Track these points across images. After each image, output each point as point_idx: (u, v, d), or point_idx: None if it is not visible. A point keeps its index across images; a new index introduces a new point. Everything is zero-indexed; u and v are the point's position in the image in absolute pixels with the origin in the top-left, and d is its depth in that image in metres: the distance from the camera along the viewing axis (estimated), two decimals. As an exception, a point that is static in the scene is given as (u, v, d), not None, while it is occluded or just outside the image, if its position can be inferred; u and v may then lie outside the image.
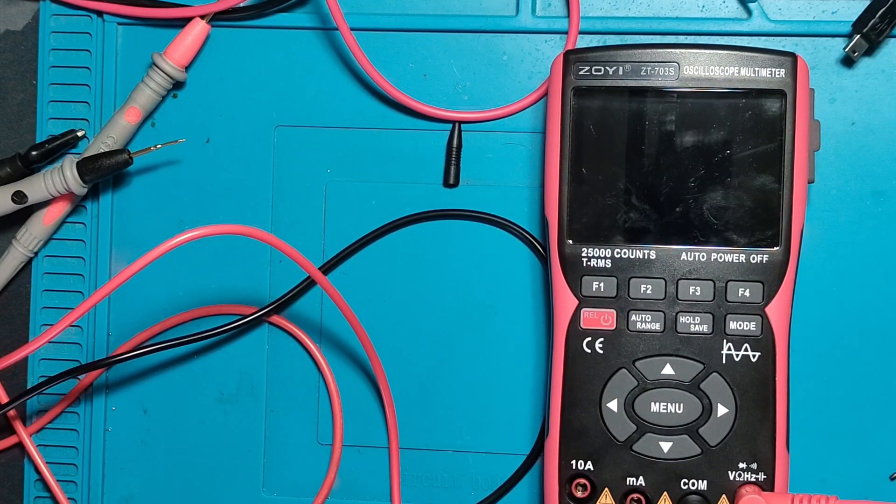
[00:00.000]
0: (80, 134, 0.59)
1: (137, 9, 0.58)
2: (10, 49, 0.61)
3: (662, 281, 0.51)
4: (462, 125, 0.58)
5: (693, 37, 0.56)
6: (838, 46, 0.56)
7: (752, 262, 0.51)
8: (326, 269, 0.58)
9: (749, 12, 0.56)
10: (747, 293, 0.51)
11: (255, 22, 0.59)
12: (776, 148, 0.51)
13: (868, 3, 0.55)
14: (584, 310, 0.52)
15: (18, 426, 0.60)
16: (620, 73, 0.51)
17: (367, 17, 0.58)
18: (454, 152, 0.58)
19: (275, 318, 0.59)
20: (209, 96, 0.59)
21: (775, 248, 0.51)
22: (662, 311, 0.51)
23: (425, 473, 0.59)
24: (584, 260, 0.52)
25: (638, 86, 0.51)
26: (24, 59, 0.61)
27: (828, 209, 0.56)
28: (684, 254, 0.51)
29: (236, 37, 0.59)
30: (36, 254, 0.60)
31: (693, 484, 0.51)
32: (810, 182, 0.51)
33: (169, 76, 0.58)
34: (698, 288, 0.51)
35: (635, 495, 0.52)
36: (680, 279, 0.51)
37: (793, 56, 0.51)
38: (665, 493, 0.51)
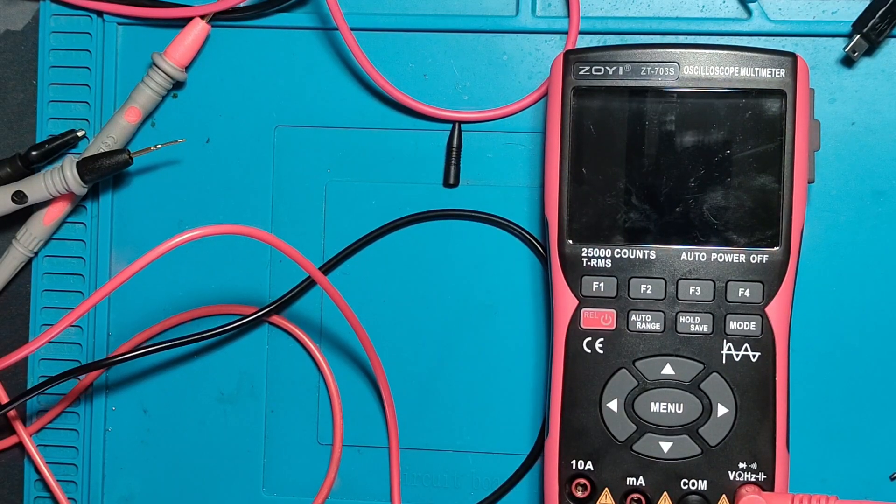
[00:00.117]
0: (80, 134, 0.59)
1: (137, 9, 0.58)
2: (10, 49, 0.61)
3: (662, 281, 0.51)
4: (462, 125, 0.58)
5: (693, 37, 0.56)
6: (838, 46, 0.56)
7: (752, 262, 0.51)
8: (326, 269, 0.58)
9: (749, 12, 0.56)
10: (747, 293, 0.51)
11: (255, 22, 0.59)
12: (776, 148, 0.51)
13: (868, 3, 0.55)
14: (584, 310, 0.52)
15: (18, 426, 0.60)
16: (620, 73, 0.51)
17: (367, 17, 0.58)
18: (454, 152, 0.57)
19: (275, 318, 0.59)
20: (209, 96, 0.59)
21: (775, 248, 0.51)
22: (662, 311, 0.51)
23: (425, 473, 0.59)
24: (584, 260, 0.52)
25: (638, 86, 0.51)
26: (24, 59, 0.61)
27: (828, 209, 0.56)
28: (684, 254, 0.51)
29: (236, 37, 0.59)
30: (36, 254, 0.60)
31: (693, 484, 0.51)
32: (810, 182, 0.51)
33: (169, 76, 0.58)
34: (698, 288, 0.51)
35: (635, 495, 0.52)
36: (680, 279, 0.51)
37: (793, 56, 0.51)
38: (665, 493, 0.51)
